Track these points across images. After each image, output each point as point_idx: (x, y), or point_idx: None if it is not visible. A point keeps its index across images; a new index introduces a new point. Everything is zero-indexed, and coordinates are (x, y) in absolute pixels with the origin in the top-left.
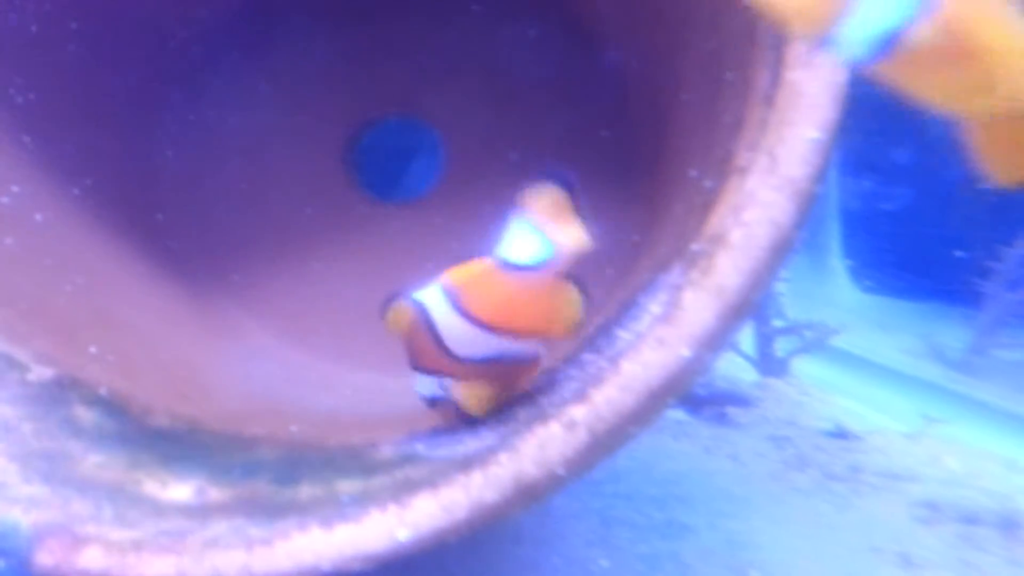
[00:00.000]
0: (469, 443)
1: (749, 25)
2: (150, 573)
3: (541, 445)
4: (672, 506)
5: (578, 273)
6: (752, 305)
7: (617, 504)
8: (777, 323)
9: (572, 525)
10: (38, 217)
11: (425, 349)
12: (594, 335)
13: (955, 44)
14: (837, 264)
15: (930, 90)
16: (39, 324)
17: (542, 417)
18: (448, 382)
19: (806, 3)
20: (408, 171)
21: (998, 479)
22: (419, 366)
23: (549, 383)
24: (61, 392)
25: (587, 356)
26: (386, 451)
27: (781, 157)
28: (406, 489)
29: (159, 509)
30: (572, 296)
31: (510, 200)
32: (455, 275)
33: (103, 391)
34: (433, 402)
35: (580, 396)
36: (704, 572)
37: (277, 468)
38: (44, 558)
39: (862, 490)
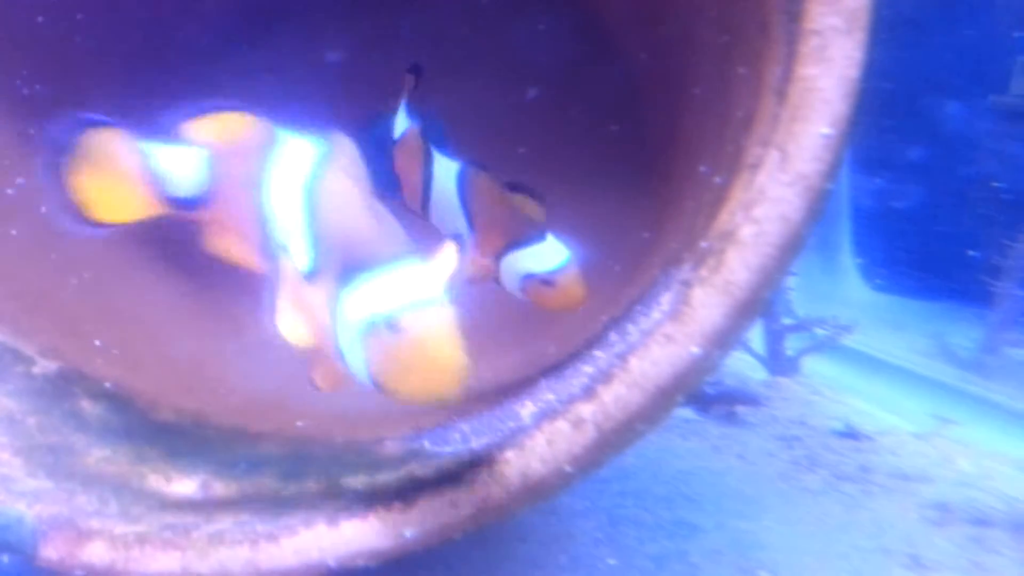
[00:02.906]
0: (476, 440)
1: (761, 20)
2: (154, 568)
3: (548, 442)
4: (680, 505)
5: None
6: (762, 303)
7: (625, 503)
8: (786, 321)
9: (579, 523)
10: (43, 210)
11: None
12: (602, 331)
13: None
14: (848, 262)
15: None
16: (44, 318)
17: (550, 414)
18: None
19: None
20: None
21: (1010, 480)
22: None
23: (557, 379)
24: (66, 386)
25: (595, 352)
26: (392, 447)
27: (792, 153)
28: (412, 485)
29: (164, 504)
30: None
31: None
32: None
33: (108, 385)
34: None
35: (588, 393)
36: (712, 572)
37: (283, 463)
38: (48, 552)
39: (872, 491)
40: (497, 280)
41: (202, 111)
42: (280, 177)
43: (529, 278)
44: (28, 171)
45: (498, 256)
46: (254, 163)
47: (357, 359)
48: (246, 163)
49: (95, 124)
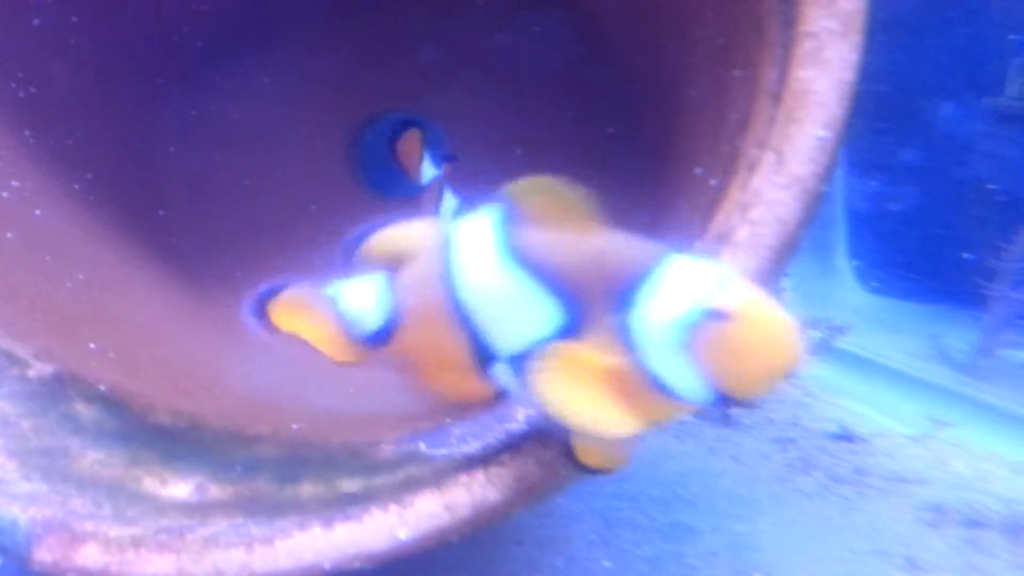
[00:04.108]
0: (472, 442)
1: (757, 22)
2: (149, 571)
3: (544, 444)
4: (676, 507)
5: None
6: None
7: (620, 505)
8: None
9: (575, 526)
10: (38, 213)
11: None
12: None
13: None
14: (843, 264)
15: None
16: (40, 320)
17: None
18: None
19: None
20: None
21: (1005, 482)
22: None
23: None
24: (61, 388)
25: None
26: (388, 450)
27: (788, 155)
28: (408, 488)
29: (159, 506)
30: None
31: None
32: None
33: (103, 387)
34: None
35: None
36: (708, 574)
37: (278, 466)
38: (43, 555)
39: (867, 493)
40: None
41: (365, 233)
42: (469, 266)
43: None
44: (24, 174)
45: None
46: (431, 270)
47: (683, 372)
48: (423, 274)
49: (278, 289)
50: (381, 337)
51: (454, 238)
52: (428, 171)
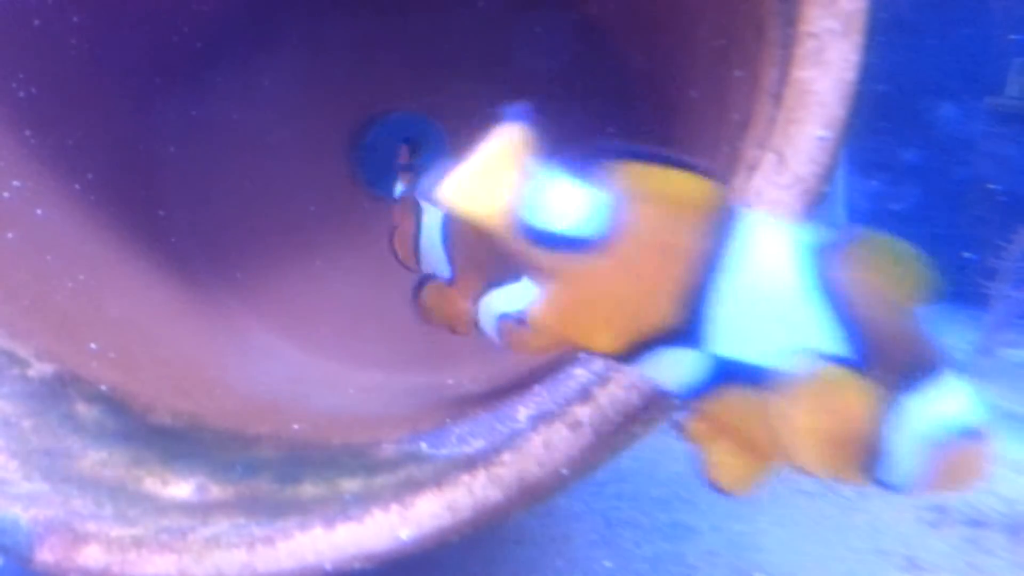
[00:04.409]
0: (473, 442)
1: (758, 23)
2: (151, 571)
3: (545, 445)
4: (676, 507)
5: None
6: None
7: (621, 505)
8: None
9: (575, 526)
10: (39, 212)
11: None
12: None
13: None
14: None
15: None
16: (40, 320)
17: (546, 416)
18: None
19: None
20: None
21: (1006, 482)
22: None
23: (552, 380)
24: (62, 388)
25: None
26: (389, 450)
27: (789, 155)
28: (409, 488)
29: (160, 507)
30: None
31: None
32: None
33: (104, 388)
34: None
35: (585, 395)
36: (708, 574)
37: (279, 466)
38: (44, 555)
39: (868, 492)
40: (477, 325)
41: (631, 156)
42: (759, 256)
43: (504, 317)
44: (24, 174)
45: (476, 298)
46: (691, 232)
47: (911, 462)
48: (677, 229)
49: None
50: (555, 244)
51: (749, 223)
52: (398, 185)
